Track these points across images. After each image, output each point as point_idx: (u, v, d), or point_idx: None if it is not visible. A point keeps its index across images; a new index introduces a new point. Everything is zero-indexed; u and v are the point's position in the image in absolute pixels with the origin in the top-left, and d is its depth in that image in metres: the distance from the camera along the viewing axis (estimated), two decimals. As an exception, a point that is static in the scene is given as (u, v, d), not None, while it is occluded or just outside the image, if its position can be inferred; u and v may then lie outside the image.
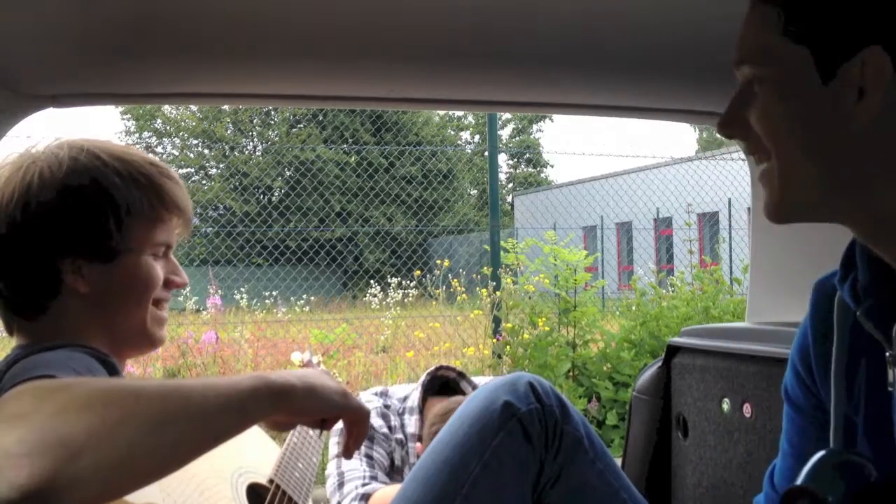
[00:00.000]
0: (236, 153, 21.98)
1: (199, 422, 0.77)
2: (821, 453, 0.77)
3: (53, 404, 0.70)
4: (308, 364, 1.70)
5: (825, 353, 0.89)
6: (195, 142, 21.86)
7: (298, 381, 0.86)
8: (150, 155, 1.16)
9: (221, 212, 18.02)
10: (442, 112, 24.42)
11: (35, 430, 0.67)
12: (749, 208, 1.90)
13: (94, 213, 1.06)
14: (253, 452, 1.22)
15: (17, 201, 1.04)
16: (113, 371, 1.01)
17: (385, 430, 1.87)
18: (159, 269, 1.13)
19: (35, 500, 0.63)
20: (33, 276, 1.05)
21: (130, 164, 1.09)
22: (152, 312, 1.13)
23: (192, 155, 21.88)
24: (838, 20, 0.69)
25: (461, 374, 1.98)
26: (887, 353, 0.76)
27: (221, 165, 21.78)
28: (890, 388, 0.76)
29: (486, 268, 5.60)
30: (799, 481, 0.74)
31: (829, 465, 0.75)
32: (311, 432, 1.47)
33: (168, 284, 1.15)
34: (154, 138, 22.02)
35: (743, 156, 1.82)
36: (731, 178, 9.40)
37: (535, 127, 27.94)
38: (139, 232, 1.09)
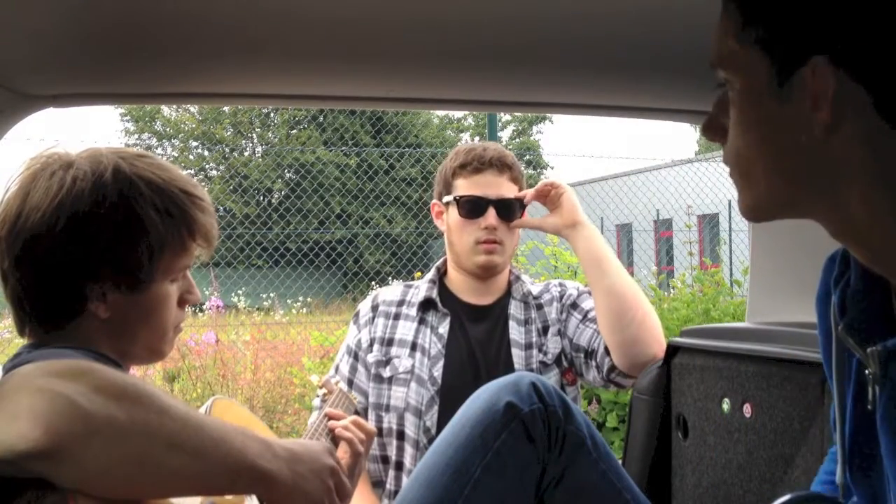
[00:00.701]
0: (236, 155, 21.99)
1: (199, 462, 0.79)
2: (784, 499, 0.77)
3: (89, 381, 0.74)
4: (326, 385, 1.69)
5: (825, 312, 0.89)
6: (195, 143, 21.87)
7: (289, 473, 0.88)
8: (184, 177, 1.13)
9: (221, 213, 18.02)
10: (442, 113, 24.43)
11: (64, 399, 0.71)
12: (749, 209, 1.89)
13: (129, 244, 1.04)
14: None
15: (60, 215, 1.01)
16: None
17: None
18: (175, 292, 1.12)
19: (38, 458, 0.68)
20: (57, 298, 1.04)
21: (166, 195, 1.07)
22: (168, 337, 1.13)
23: (191, 157, 21.89)
24: (790, 25, 0.69)
25: None
26: (867, 371, 0.75)
27: (221, 167, 21.80)
28: (870, 407, 0.75)
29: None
30: None
31: None
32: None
33: (181, 303, 1.14)
34: (154, 139, 22.04)
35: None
36: (731, 180, 9.40)
37: (535, 128, 27.96)
38: (166, 262, 1.08)
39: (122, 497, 0.76)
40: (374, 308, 1.94)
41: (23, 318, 1.06)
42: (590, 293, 1.90)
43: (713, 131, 0.80)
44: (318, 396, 1.87)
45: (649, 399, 1.75)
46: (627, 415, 1.85)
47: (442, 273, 1.98)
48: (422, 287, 1.93)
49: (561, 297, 1.94)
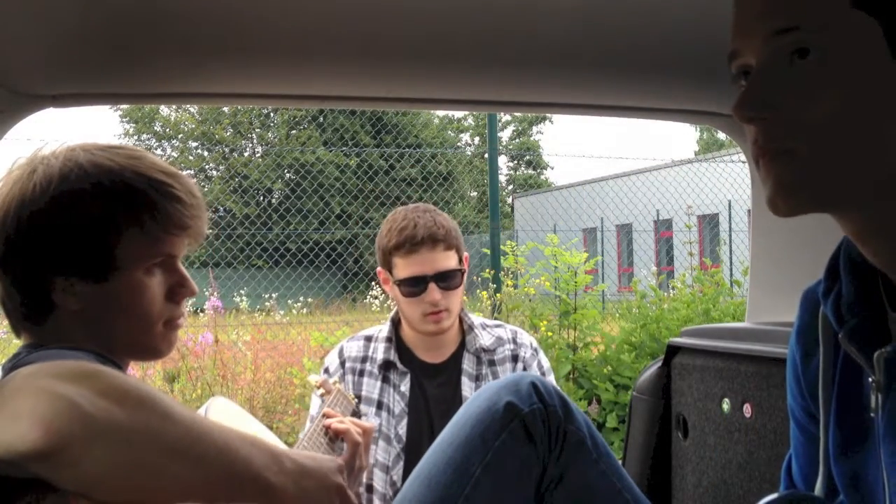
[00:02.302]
0: (236, 155, 22.00)
1: (201, 470, 0.78)
2: (768, 499, 0.76)
3: (92, 384, 0.74)
4: (324, 385, 1.71)
5: (813, 368, 0.87)
6: (195, 144, 21.88)
7: (293, 487, 0.87)
8: (162, 166, 1.11)
9: (221, 214, 18.02)
10: (442, 114, 24.46)
11: (65, 401, 0.71)
12: (749, 210, 1.90)
13: (82, 232, 1.03)
14: None
15: (12, 217, 1.03)
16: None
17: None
18: (156, 285, 1.09)
19: (37, 459, 0.68)
20: (28, 295, 1.05)
21: (126, 181, 1.06)
22: (162, 333, 1.11)
23: (191, 157, 21.90)
24: None
25: None
26: (870, 379, 0.74)
27: (221, 167, 21.81)
28: (872, 414, 0.75)
29: (486, 270, 5.59)
30: None
31: None
32: (321, 439, 1.49)
33: (172, 297, 1.12)
34: (153, 140, 22.04)
35: (743, 158, 1.82)
36: (731, 180, 9.41)
37: (535, 129, 27.97)
38: (131, 249, 1.06)
39: (123, 501, 0.76)
40: (342, 363, 2.01)
41: (13, 322, 1.08)
42: (538, 351, 2.03)
43: (763, 106, 0.71)
44: (315, 395, 1.89)
45: (649, 399, 1.75)
46: (627, 415, 1.85)
47: (397, 325, 2.04)
48: (380, 347, 1.99)
49: (514, 359, 2.00)
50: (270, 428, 1.56)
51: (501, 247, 5.42)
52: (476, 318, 2.05)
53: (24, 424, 0.69)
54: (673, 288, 5.53)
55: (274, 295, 8.25)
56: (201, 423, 0.80)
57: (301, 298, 8.08)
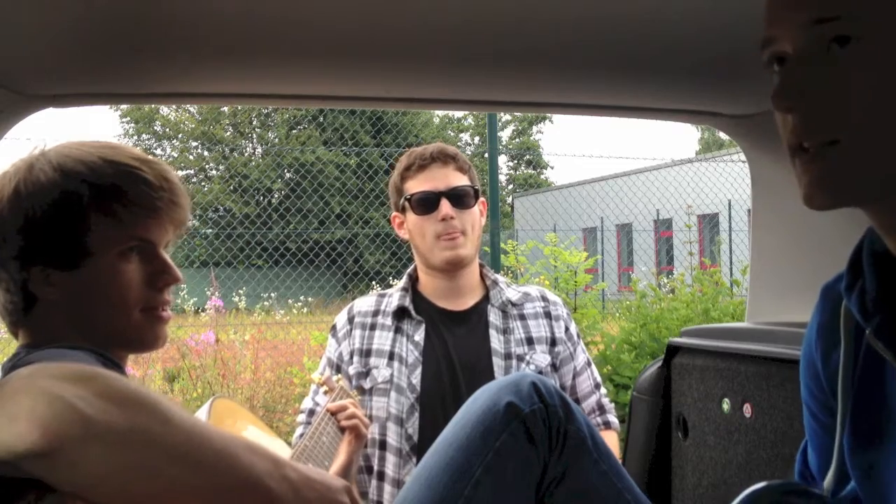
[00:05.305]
0: (236, 155, 22.00)
1: (200, 475, 0.78)
2: (755, 487, 0.75)
3: (92, 386, 0.74)
4: (327, 382, 1.72)
5: (833, 363, 0.86)
6: (194, 144, 21.87)
7: (294, 497, 0.85)
8: (137, 154, 1.12)
9: (221, 213, 18.02)
10: (442, 113, 24.45)
11: (64, 402, 0.71)
12: (749, 210, 1.90)
13: (47, 218, 1.04)
14: None
15: None
16: (121, 374, 1.01)
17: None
18: (132, 271, 1.09)
19: (35, 460, 0.68)
20: (7, 287, 1.06)
21: (94, 167, 1.06)
22: (141, 317, 1.10)
23: (191, 157, 21.90)
24: None
25: None
26: None
27: (221, 167, 21.80)
28: None
29: (486, 269, 5.57)
30: None
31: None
32: (323, 438, 1.51)
33: (152, 284, 1.11)
34: (153, 140, 22.04)
35: (743, 157, 1.82)
36: (731, 179, 9.41)
37: (535, 128, 27.95)
38: (99, 233, 1.06)
39: None
40: (351, 320, 1.96)
41: (7, 322, 1.09)
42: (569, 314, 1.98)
43: (802, 96, 0.69)
44: (314, 392, 1.90)
45: (649, 399, 1.75)
46: (627, 415, 1.85)
47: (414, 280, 1.98)
48: (394, 295, 1.94)
49: (548, 316, 1.94)
50: (270, 427, 1.57)
51: (502, 246, 5.42)
52: (499, 276, 2.01)
53: (22, 425, 0.69)
54: (673, 289, 5.53)
55: (273, 294, 8.25)
56: (202, 428, 0.80)
57: (301, 298, 8.08)
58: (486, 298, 1.94)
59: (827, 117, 0.69)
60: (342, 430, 1.60)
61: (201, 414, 1.17)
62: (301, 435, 1.81)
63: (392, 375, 1.84)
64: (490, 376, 1.79)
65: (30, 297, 1.06)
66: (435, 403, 1.80)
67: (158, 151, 21.25)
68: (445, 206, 1.85)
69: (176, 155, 21.52)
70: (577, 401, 1.87)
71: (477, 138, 25.97)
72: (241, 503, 0.82)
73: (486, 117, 6.60)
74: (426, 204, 1.87)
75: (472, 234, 1.89)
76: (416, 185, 1.89)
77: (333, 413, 1.60)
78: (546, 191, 19.36)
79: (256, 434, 1.28)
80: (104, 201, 1.06)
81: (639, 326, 4.88)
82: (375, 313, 1.94)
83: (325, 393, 1.71)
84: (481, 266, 1.99)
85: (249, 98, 1.54)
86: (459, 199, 1.87)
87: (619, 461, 1.32)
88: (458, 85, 1.51)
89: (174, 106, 19.96)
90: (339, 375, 1.83)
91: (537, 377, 1.26)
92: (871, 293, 0.77)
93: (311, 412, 1.87)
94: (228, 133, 21.92)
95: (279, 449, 1.30)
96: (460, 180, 1.89)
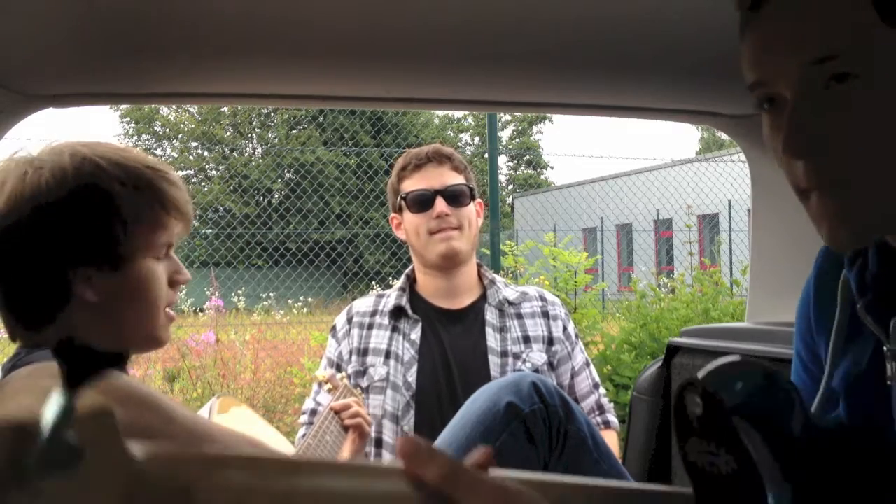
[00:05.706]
0: (236, 155, 22.00)
1: None
2: (733, 356, 0.71)
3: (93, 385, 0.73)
4: (331, 380, 1.72)
5: (827, 318, 0.86)
6: (194, 144, 21.88)
7: None
8: (149, 156, 1.16)
9: (221, 213, 18.02)
10: (442, 114, 24.45)
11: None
12: (749, 210, 1.90)
13: (101, 221, 1.05)
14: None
15: (25, 211, 1.02)
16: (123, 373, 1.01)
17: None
18: (162, 271, 1.12)
19: None
20: (42, 287, 1.04)
21: (130, 170, 1.08)
22: (164, 320, 1.13)
23: (191, 157, 21.90)
24: None
25: None
26: (885, 348, 0.75)
27: (221, 167, 21.80)
28: (889, 382, 0.75)
29: (486, 269, 5.57)
30: (700, 375, 0.67)
31: (735, 368, 0.69)
32: (327, 437, 1.52)
33: (172, 284, 1.15)
34: (153, 140, 22.04)
35: (743, 158, 1.82)
36: (731, 179, 9.41)
37: (535, 128, 27.95)
38: (143, 237, 1.08)
39: None
40: (350, 320, 1.98)
41: (13, 325, 1.07)
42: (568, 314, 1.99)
43: (812, 141, 0.68)
44: (315, 392, 1.90)
45: (649, 399, 1.75)
46: (627, 415, 1.85)
47: (412, 280, 2.01)
48: (392, 295, 1.96)
49: (546, 316, 1.95)
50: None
51: (501, 246, 5.42)
52: (497, 276, 2.03)
53: None
54: (672, 290, 5.53)
55: (273, 294, 8.24)
56: (205, 426, 0.80)
57: (301, 298, 8.08)
58: (483, 297, 1.95)
59: (838, 158, 0.68)
60: (345, 428, 1.60)
61: (204, 412, 1.17)
62: (304, 434, 1.82)
63: (388, 373, 1.85)
64: (486, 374, 1.80)
65: (64, 299, 1.05)
66: (431, 401, 1.81)
67: (158, 151, 21.26)
68: (440, 204, 1.88)
69: (176, 155, 21.52)
70: (576, 400, 1.87)
71: (477, 138, 25.98)
72: None
73: (486, 117, 6.59)
74: (421, 202, 1.89)
75: (467, 230, 1.90)
76: (411, 185, 1.92)
77: (337, 412, 1.61)
78: (546, 191, 19.37)
79: (260, 431, 1.29)
80: (152, 207, 1.09)
81: (639, 326, 4.88)
82: (373, 313, 1.96)
83: (329, 391, 1.72)
84: (479, 266, 2.00)
85: (249, 98, 1.54)
86: (454, 197, 1.89)
87: (620, 461, 1.32)
88: (458, 85, 1.51)
89: (174, 106, 19.96)
90: (343, 374, 1.83)
91: (537, 377, 1.26)
92: (873, 270, 0.78)
93: (313, 412, 1.87)
94: (228, 133, 21.93)
95: (283, 446, 1.31)
96: (455, 179, 1.92)
